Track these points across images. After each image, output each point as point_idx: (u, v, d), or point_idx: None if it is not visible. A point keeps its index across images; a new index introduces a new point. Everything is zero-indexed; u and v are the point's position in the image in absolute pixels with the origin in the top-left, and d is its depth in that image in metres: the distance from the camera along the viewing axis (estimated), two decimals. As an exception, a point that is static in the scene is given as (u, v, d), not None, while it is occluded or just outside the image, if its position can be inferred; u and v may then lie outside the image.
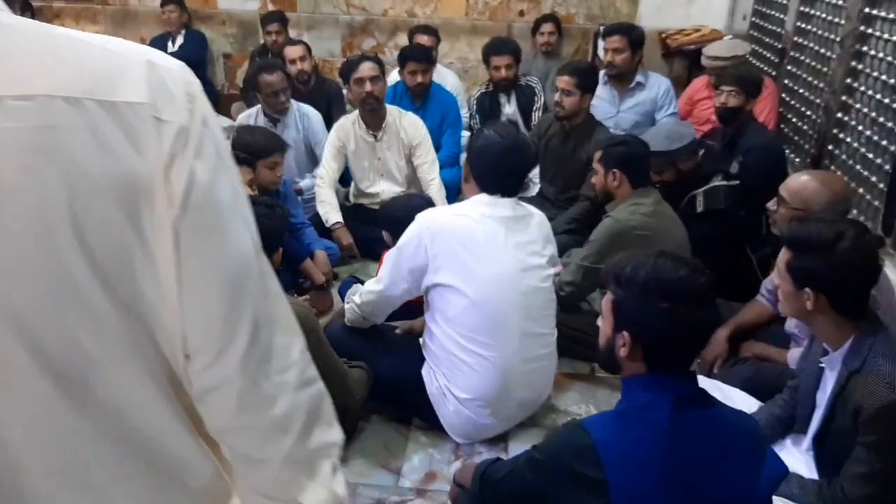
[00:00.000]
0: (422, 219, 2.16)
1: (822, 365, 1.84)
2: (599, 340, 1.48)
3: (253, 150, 2.81)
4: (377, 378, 2.31)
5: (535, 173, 4.09)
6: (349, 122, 3.61)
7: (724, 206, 2.91)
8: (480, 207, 2.16)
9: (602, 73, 4.20)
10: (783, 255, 1.82)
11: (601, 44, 5.22)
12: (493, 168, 2.17)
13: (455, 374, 2.14)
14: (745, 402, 2.15)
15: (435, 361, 2.20)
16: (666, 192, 3.25)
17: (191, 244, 0.66)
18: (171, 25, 5.65)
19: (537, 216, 2.29)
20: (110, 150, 0.61)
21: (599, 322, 1.49)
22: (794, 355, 2.37)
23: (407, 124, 3.57)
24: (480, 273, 2.07)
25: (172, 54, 4.17)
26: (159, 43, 5.72)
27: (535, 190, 3.99)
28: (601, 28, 5.27)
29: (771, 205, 2.44)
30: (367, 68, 3.43)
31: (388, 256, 2.24)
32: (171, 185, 0.65)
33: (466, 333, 2.10)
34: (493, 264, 2.09)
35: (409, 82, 4.08)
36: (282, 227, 2.06)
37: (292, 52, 4.47)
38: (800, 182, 2.37)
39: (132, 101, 0.64)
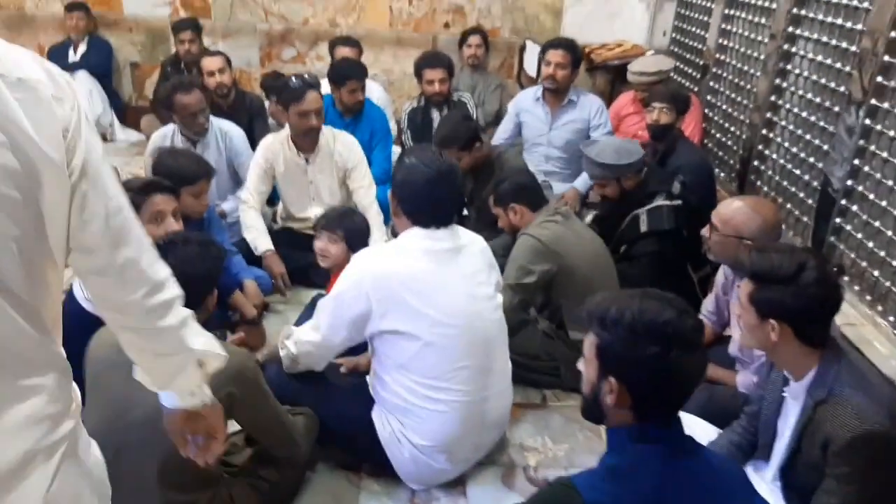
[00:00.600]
0: (360, 264, 2.01)
1: (785, 394, 1.83)
2: (583, 387, 1.39)
3: (177, 176, 2.56)
4: (322, 424, 2.15)
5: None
6: (277, 141, 3.38)
7: (669, 227, 2.91)
8: (418, 243, 2.02)
9: (534, 90, 4.18)
10: (745, 287, 1.80)
11: (526, 57, 5.26)
12: (422, 202, 2.03)
13: (411, 420, 2.01)
14: (703, 430, 2.13)
15: (387, 407, 2.06)
16: (606, 209, 3.25)
17: (85, 195, 0.98)
18: (76, 32, 5.26)
19: (478, 243, 2.19)
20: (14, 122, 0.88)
21: (580, 366, 1.40)
22: (743, 379, 2.38)
23: (341, 146, 3.38)
24: (430, 314, 1.95)
25: (74, 63, 3.91)
26: (60, 50, 5.32)
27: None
28: (526, 42, 5.30)
29: (704, 231, 2.43)
30: (313, 100, 3.18)
31: (324, 304, 2.07)
32: (72, 155, 0.96)
33: (422, 379, 1.98)
34: (442, 303, 1.97)
35: (348, 100, 3.87)
36: (217, 268, 1.87)
37: (210, 63, 4.21)
38: (731, 209, 2.35)
39: (34, 79, 0.92)
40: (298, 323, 2.48)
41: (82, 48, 5.30)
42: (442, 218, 2.04)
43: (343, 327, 2.01)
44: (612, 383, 1.31)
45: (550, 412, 2.59)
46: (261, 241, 3.24)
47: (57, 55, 5.31)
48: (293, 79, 3.19)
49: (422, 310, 1.94)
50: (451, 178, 2.07)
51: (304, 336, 2.10)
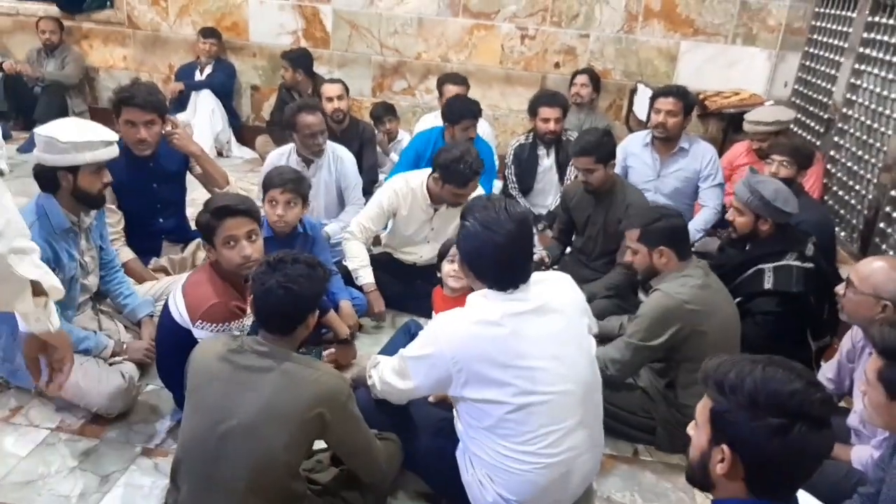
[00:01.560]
0: (438, 333, 1.89)
1: (914, 479, 1.66)
2: (691, 452, 1.30)
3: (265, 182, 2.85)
4: (406, 452, 2.12)
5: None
6: (408, 187, 3.29)
7: (796, 290, 2.69)
8: (498, 306, 1.87)
9: (644, 134, 4.09)
10: (874, 363, 1.67)
11: (636, 100, 5.17)
12: (495, 269, 1.90)
13: (499, 475, 1.91)
14: (811, 507, 1.96)
15: (473, 458, 1.97)
16: (724, 258, 3.08)
17: None
18: (206, 55, 5.60)
19: (565, 291, 2.03)
20: None
21: (691, 430, 1.31)
22: (860, 455, 2.19)
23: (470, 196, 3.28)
24: (514, 383, 1.83)
25: (200, 82, 4.13)
26: (187, 70, 5.67)
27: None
28: (637, 85, 5.22)
29: (839, 288, 2.31)
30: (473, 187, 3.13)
31: (408, 356, 1.95)
32: None
33: (509, 444, 1.88)
34: (526, 372, 1.84)
35: (461, 137, 3.85)
36: (321, 289, 1.88)
37: (330, 90, 4.36)
38: (871, 267, 2.24)
39: None
40: (388, 347, 2.47)
41: (208, 69, 5.63)
42: (520, 277, 1.90)
43: (427, 387, 1.96)
44: (724, 451, 1.22)
45: (642, 468, 2.46)
46: (363, 274, 3.23)
47: (184, 74, 5.66)
48: (459, 166, 3.03)
49: (505, 380, 1.83)
50: (523, 234, 1.91)
51: (388, 378, 2.02)
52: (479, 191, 3.38)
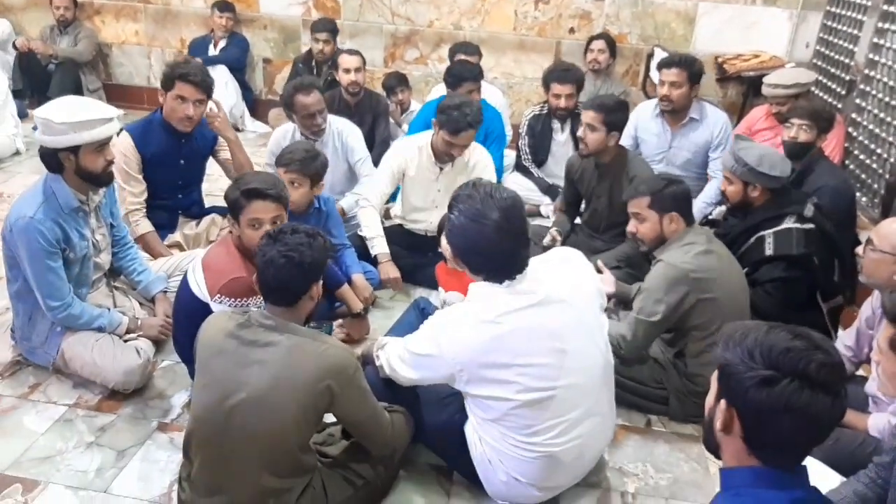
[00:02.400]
0: (439, 333, 1.86)
1: (928, 450, 1.63)
2: (705, 415, 1.29)
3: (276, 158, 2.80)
4: (416, 426, 2.13)
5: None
6: (415, 145, 3.31)
7: (798, 252, 2.67)
8: (497, 302, 1.81)
9: (654, 104, 4.00)
10: (885, 331, 1.64)
11: (653, 65, 5.05)
12: (488, 260, 1.83)
13: (507, 459, 1.92)
14: (825, 477, 1.94)
15: (483, 439, 1.96)
16: (728, 227, 3.04)
17: None
18: (222, 30, 5.56)
19: (570, 275, 1.96)
20: None
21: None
22: (876, 422, 2.16)
23: (478, 157, 3.30)
24: (517, 381, 1.81)
25: (214, 57, 4.15)
26: (200, 44, 5.64)
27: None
28: (654, 49, 5.10)
29: (859, 249, 2.28)
30: (467, 136, 3.09)
31: (413, 349, 1.93)
32: None
33: (516, 435, 1.88)
34: (531, 369, 1.81)
35: None
36: (323, 259, 1.85)
37: (349, 61, 4.29)
38: (892, 227, 2.22)
39: None
40: (397, 326, 2.45)
41: (222, 43, 5.59)
42: (516, 267, 1.83)
43: (431, 380, 1.96)
44: (721, 406, 1.22)
45: (655, 438, 2.45)
46: (377, 243, 3.23)
47: (198, 48, 5.63)
48: (455, 112, 3.04)
49: (507, 379, 1.81)
50: (512, 221, 1.79)
51: (395, 365, 2.00)
52: (481, 150, 3.34)
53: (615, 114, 3.22)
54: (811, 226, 2.70)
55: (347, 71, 4.27)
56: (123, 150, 3.00)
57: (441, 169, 3.29)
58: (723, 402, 1.22)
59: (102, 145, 2.40)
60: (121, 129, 2.50)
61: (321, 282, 1.91)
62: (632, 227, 2.59)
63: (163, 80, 3.06)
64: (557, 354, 1.85)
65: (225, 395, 1.73)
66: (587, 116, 3.23)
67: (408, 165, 3.31)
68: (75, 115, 2.31)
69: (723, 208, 3.66)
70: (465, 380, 1.84)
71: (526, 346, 1.81)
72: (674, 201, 2.48)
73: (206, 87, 3.06)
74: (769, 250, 2.72)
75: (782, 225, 2.72)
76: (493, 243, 1.79)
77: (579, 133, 3.28)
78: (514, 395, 1.82)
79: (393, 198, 3.55)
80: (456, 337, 1.83)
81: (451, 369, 1.84)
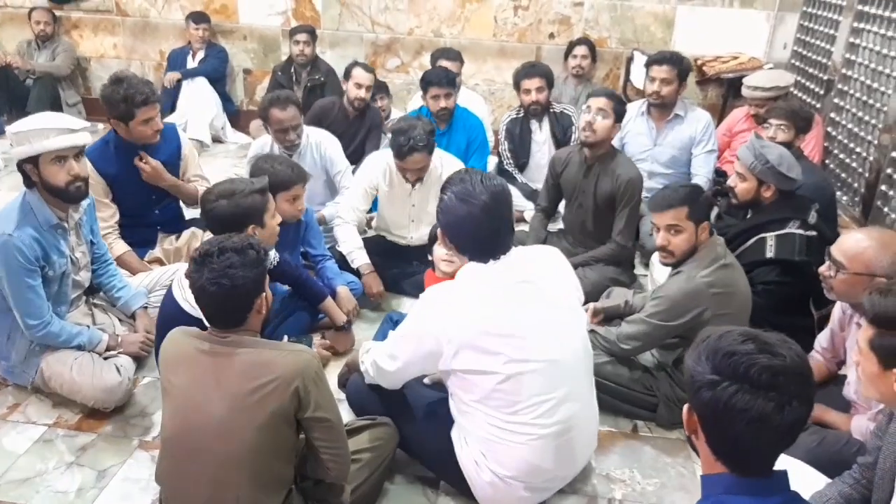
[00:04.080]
0: (428, 305, 1.92)
1: (909, 449, 1.63)
2: None
3: (273, 182, 2.56)
4: (402, 437, 2.11)
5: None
6: (384, 161, 3.28)
7: (798, 259, 2.64)
8: (485, 277, 1.90)
9: (639, 104, 4.02)
10: (865, 332, 1.63)
11: (633, 69, 5.08)
12: (475, 239, 1.91)
13: (493, 449, 1.92)
14: (811, 478, 1.94)
15: (467, 435, 1.98)
16: (725, 227, 3.03)
17: None
18: (199, 42, 5.54)
19: (551, 263, 2.04)
20: None
21: None
22: (858, 424, 2.16)
23: (449, 170, 3.20)
24: (504, 352, 1.84)
25: (194, 69, 4.10)
26: (179, 56, 5.61)
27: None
28: (634, 53, 5.13)
29: (825, 269, 2.20)
30: (418, 160, 3.06)
31: (398, 336, 1.97)
32: None
33: (501, 415, 1.88)
34: (516, 340, 1.85)
35: (433, 107, 3.90)
36: (259, 272, 1.76)
37: (363, 77, 4.18)
38: (857, 245, 2.13)
39: None
40: (376, 338, 2.45)
41: (201, 55, 5.57)
42: (500, 248, 1.92)
43: (416, 363, 1.96)
44: (685, 410, 1.27)
45: (642, 443, 2.44)
46: (358, 256, 3.21)
47: (176, 60, 5.61)
48: (400, 137, 3.01)
49: (495, 349, 1.84)
50: (499, 205, 1.91)
51: (380, 362, 2.03)
52: (454, 163, 3.31)
53: (623, 104, 3.25)
54: (814, 233, 2.70)
55: (359, 86, 4.19)
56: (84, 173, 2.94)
57: (413, 185, 3.26)
58: (687, 406, 1.26)
59: (63, 158, 2.33)
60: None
61: (265, 292, 1.84)
62: (662, 240, 2.44)
63: (121, 112, 2.93)
64: (542, 330, 1.89)
65: (190, 417, 1.69)
66: (599, 102, 3.18)
67: (380, 181, 3.30)
68: (33, 125, 2.29)
69: (715, 209, 3.68)
70: (453, 352, 1.85)
71: (513, 318, 1.86)
72: (707, 209, 2.44)
73: (156, 97, 3.05)
74: (770, 253, 2.70)
75: (785, 229, 2.71)
76: (479, 222, 1.88)
77: (587, 119, 3.19)
78: (501, 367, 1.83)
79: (375, 207, 3.54)
80: (445, 304, 1.89)
81: (438, 340, 1.85)
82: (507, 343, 1.84)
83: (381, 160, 3.32)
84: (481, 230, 1.89)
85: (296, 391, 1.68)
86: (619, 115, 3.22)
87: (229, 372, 1.69)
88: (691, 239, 2.40)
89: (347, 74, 4.27)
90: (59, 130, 2.31)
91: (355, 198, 3.31)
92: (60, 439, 2.35)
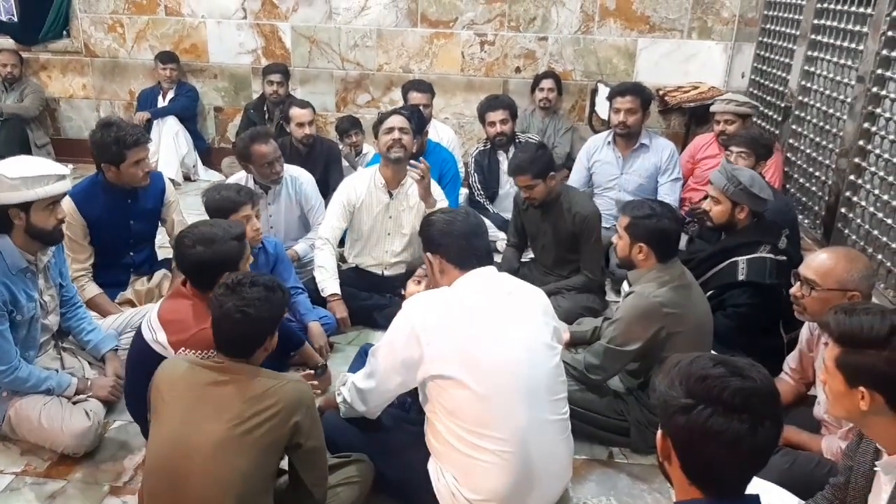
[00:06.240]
0: (411, 309, 1.98)
1: (877, 468, 1.66)
2: None
3: (221, 208, 2.68)
4: (378, 471, 2.10)
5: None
6: (361, 179, 3.44)
7: (769, 282, 2.71)
8: (471, 286, 2.00)
9: (605, 134, 4.11)
10: (831, 351, 1.66)
11: (598, 100, 5.20)
12: (462, 243, 2.05)
13: (464, 473, 1.93)
14: (784, 501, 1.96)
15: (441, 459, 1.98)
16: (695, 252, 3.09)
17: None
18: (168, 81, 5.56)
19: (531, 290, 2.12)
20: None
21: None
22: (829, 444, 2.19)
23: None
24: (480, 359, 1.88)
25: (163, 108, 4.11)
26: (149, 95, 5.62)
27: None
28: (598, 84, 5.25)
29: (796, 290, 2.23)
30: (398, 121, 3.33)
31: (376, 350, 2.02)
32: None
33: (470, 427, 1.89)
34: (493, 349, 1.90)
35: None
36: (279, 313, 1.87)
37: (301, 115, 4.31)
38: (826, 262, 2.18)
39: None
40: (351, 370, 2.45)
41: (171, 94, 5.58)
42: (483, 256, 2.07)
43: (396, 372, 1.97)
44: (659, 436, 1.28)
45: (617, 471, 2.46)
46: (329, 284, 3.25)
47: (146, 100, 5.61)
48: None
49: (472, 355, 1.88)
50: (479, 223, 2.15)
51: (358, 383, 2.06)
52: (444, 202, 3.38)
53: (537, 163, 3.24)
54: (784, 258, 2.77)
55: (301, 125, 4.29)
56: (66, 216, 2.93)
57: (391, 195, 3.36)
58: (660, 431, 1.27)
59: (54, 203, 2.36)
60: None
61: (276, 334, 1.89)
62: (614, 238, 2.65)
63: (109, 158, 2.93)
64: (518, 344, 1.94)
65: (181, 441, 1.68)
66: (519, 181, 3.30)
67: (357, 195, 3.38)
68: (29, 171, 2.29)
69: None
70: (432, 356, 1.88)
71: (492, 326, 1.93)
72: (647, 233, 2.46)
73: (147, 138, 3.06)
74: (741, 275, 2.76)
75: (757, 253, 2.77)
76: (459, 230, 2.06)
77: (523, 195, 3.38)
78: (475, 377, 1.86)
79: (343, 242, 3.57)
80: (427, 307, 1.97)
81: (418, 347, 1.89)
82: (482, 351, 1.89)
83: (356, 179, 3.44)
84: (467, 233, 2.05)
85: (296, 424, 1.71)
86: (542, 174, 3.24)
87: (228, 398, 1.70)
88: (626, 249, 2.52)
89: (286, 118, 4.39)
90: (57, 177, 2.35)
91: (334, 216, 3.40)
92: (28, 487, 2.29)
